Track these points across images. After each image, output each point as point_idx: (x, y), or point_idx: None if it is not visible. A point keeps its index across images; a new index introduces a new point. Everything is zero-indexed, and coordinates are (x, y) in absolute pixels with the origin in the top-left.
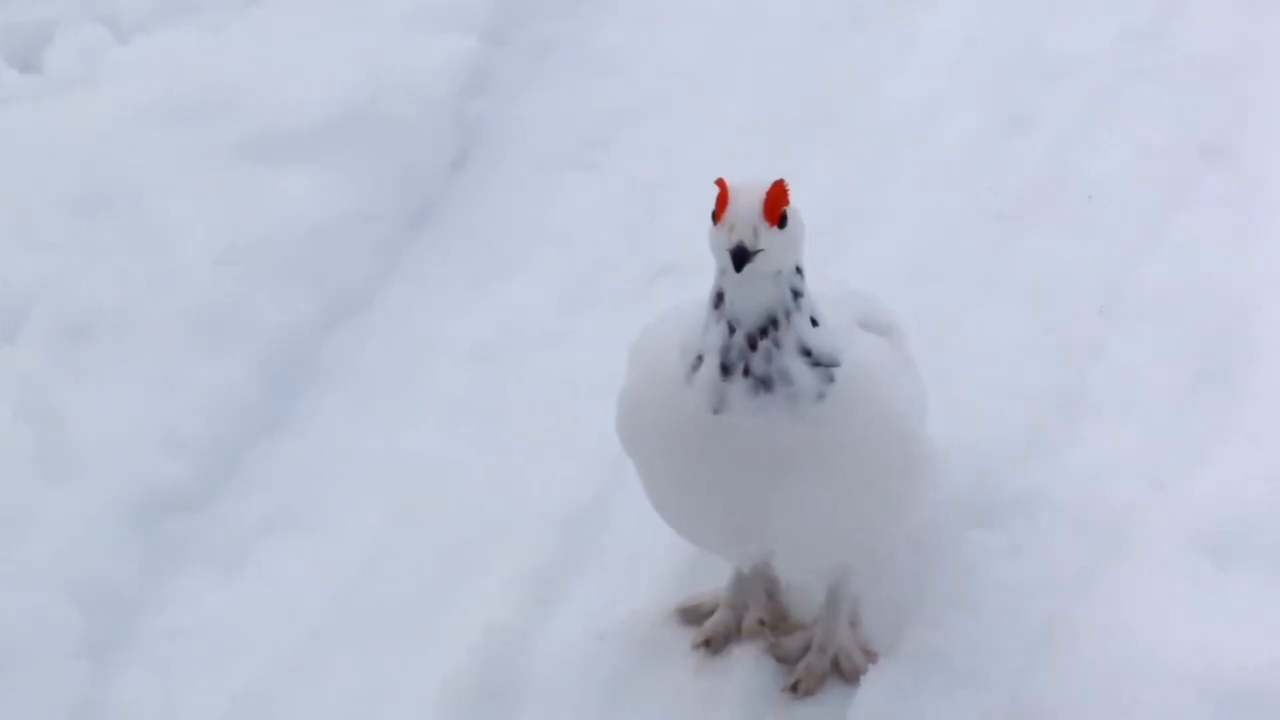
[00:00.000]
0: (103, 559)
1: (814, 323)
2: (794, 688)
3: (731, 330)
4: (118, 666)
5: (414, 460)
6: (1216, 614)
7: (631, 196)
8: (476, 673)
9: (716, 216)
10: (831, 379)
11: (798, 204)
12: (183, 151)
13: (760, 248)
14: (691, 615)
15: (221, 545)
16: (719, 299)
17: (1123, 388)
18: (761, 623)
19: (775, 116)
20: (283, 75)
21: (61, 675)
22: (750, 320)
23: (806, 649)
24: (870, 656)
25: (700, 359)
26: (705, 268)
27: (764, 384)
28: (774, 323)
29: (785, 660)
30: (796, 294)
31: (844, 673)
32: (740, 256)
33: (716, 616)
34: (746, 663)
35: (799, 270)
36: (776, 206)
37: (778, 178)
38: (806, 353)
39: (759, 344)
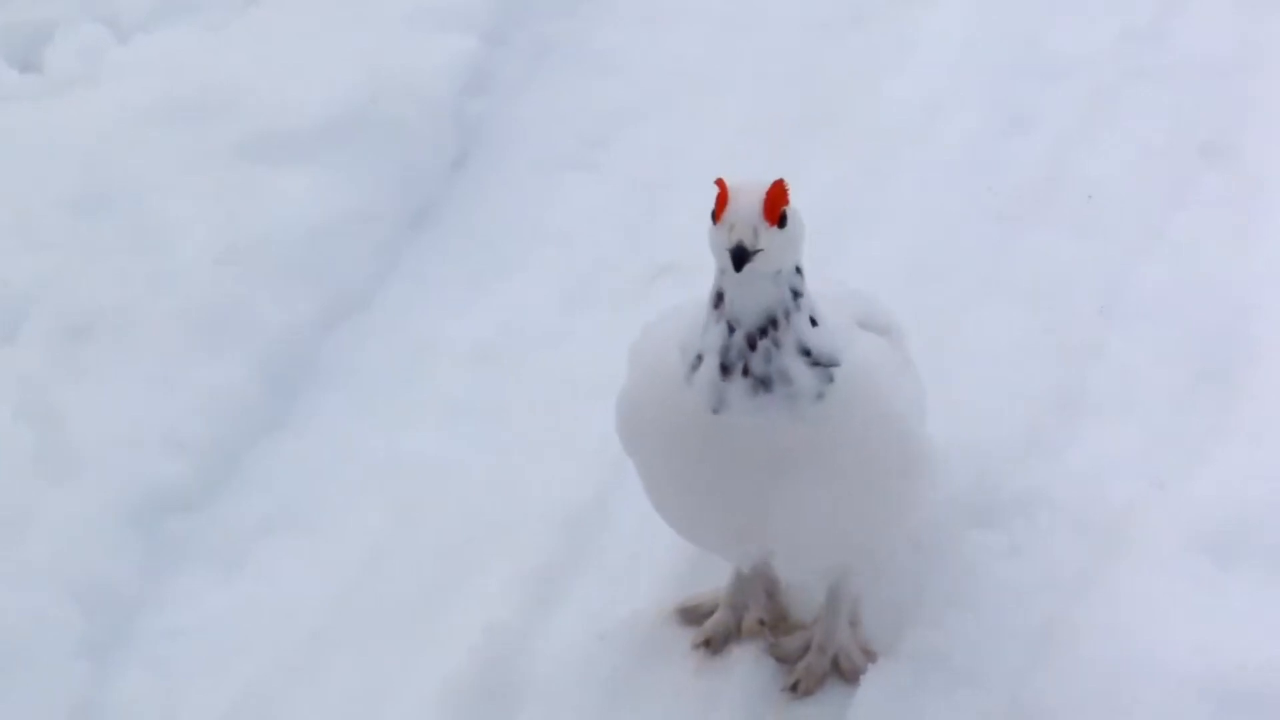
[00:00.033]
0: (103, 559)
1: (813, 322)
2: (794, 687)
3: (731, 330)
4: (118, 666)
5: (414, 460)
6: (1216, 614)
7: (631, 196)
8: (476, 673)
9: (716, 216)
10: (831, 379)
11: (797, 204)
12: (183, 151)
13: (760, 247)
14: (691, 615)
15: (221, 545)
16: (719, 299)
17: (1123, 388)
18: (761, 623)
19: (775, 116)
20: (283, 75)
21: (61, 675)
22: (750, 320)
23: (806, 649)
24: (870, 656)
25: (700, 358)
26: (705, 268)
27: (763, 384)
28: (773, 322)
29: (785, 660)
30: (796, 294)
31: (844, 672)
32: (740, 256)
33: (716, 616)
34: (746, 663)
35: (799, 270)
36: (776, 206)
37: (777, 177)
38: (806, 352)
39: (758, 344)
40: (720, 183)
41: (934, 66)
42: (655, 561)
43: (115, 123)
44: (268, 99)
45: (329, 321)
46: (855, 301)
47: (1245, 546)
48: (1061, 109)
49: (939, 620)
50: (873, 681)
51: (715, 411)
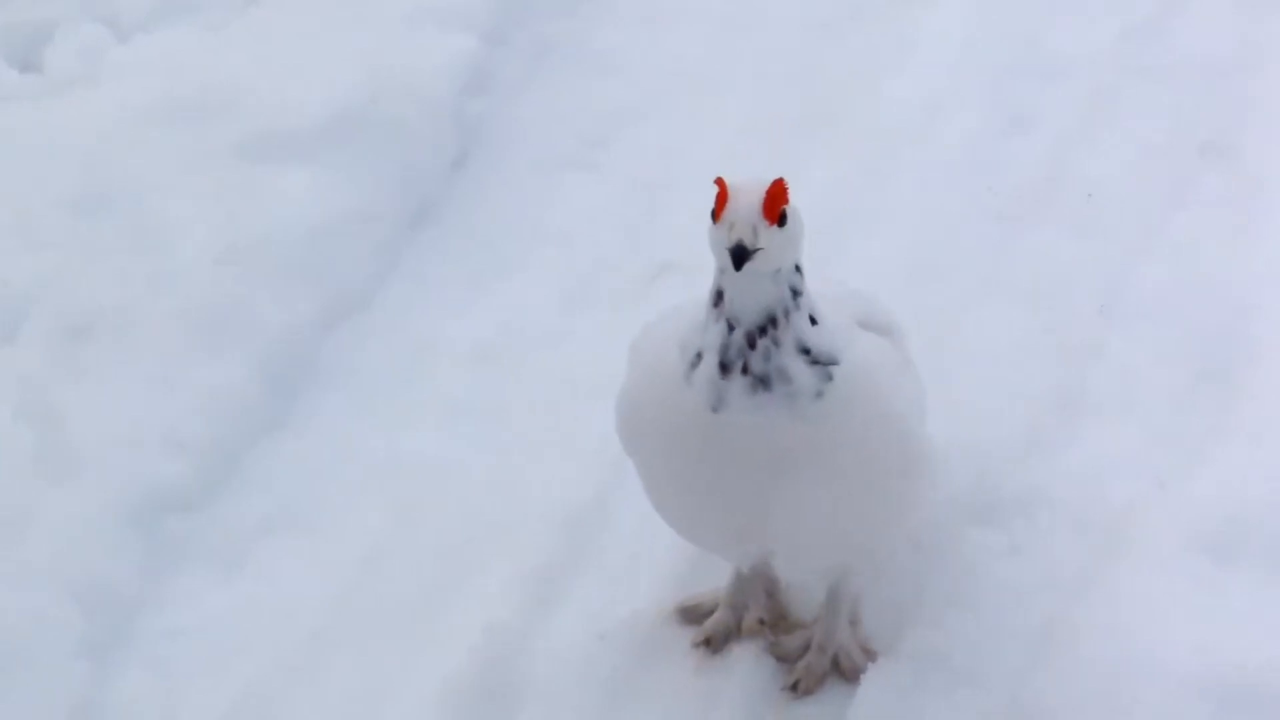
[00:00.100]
0: (103, 559)
1: (813, 321)
2: (794, 687)
3: (731, 328)
4: (118, 666)
5: (414, 460)
6: (1216, 614)
7: (631, 196)
8: (476, 673)
9: (716, 215)
10: (830, 377)
11: (797, 203)
12: (183, 151)
13: (759, 246)
14: (691, 615)
15: (221, 545)
16: (718, 297)
17: (1123, 388)
18: (761, 622)
19: (775, 116)
20: (283, 75)
21: (61, 675)
22: (749, 319)
23: (806, 648)
24: (870, 656)
25: (699, 357)
26: (705, 267)
27: (762, 382)
28: (773, 321)
29: (785, 659)
30: (796, 292)
31: (844, 672)
32: (739, 255)
33: (716, 616)
34: (746, 662)
35: (798, 269)
36: (776, 205)
37: (777, 177)
38: (805, 351)
39: (758, 342)
40: (720, 182)
41: (934, 66)
42: (655, 561)
43: (115, 123)
44: (268, 99)
45: (329, 321)
46: (855, 301)
47: (1245, 546)
48: (1061, 109)
49: (939, 620)
50: (873, 681)
51: (714, 410)
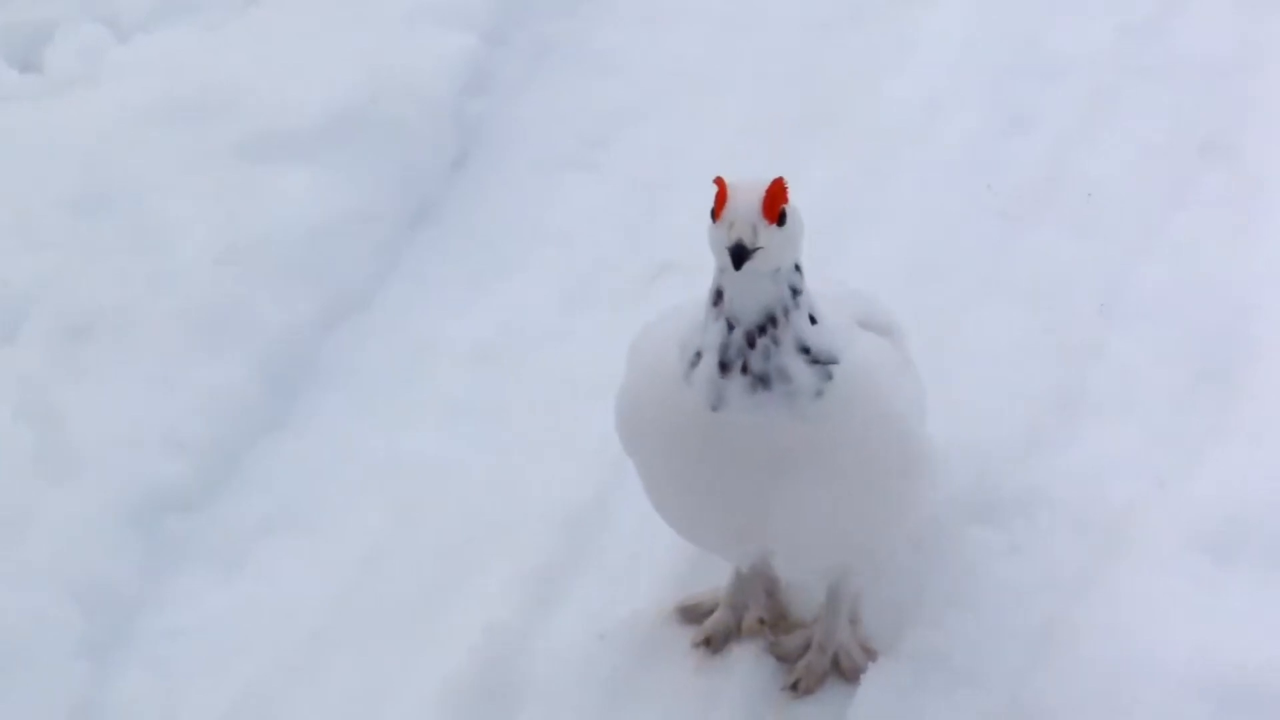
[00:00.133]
0: (103, 559)
1: (813, 320)
2: (794, 686)
3: (730, 328)
4: (118, 666)
5: (414, 460)
6: (1216, 614)
7: (631, 196)
8: (476, 673)
9: (715, 214)
10: (830, 377)
11: (797, 203)
12: (183, 151)
13: (759, 245)
14: (691, 614)
15: (221, 545)
16: (718, 296)
17: (1123, 388)
18: (761, 621)
19: (775, 116)
20: (283, 75)
21: (61, 675)
22: (749, 318)
23: (806, 648)
24: (870, 655)
25: (699, 356)
26: (705, 267)
27: (762, 381)
28: (773, 320)
29: (785, 659)
30: (795, 292)
31: (844, 671)
32: (739, 254)
33: (716, 615)
34: (746, 661)
35: (798, 268)
36: (776, 204)
37: (777, 176)
38: (805, 350)
39: (757, 341)
40: (719, 181)
41: (934, 66)
42: (655, 561)
43: (115, 123)
44: (268, 99)
45: (329, 321)
46: (855, 301)
47: (1245, 546)
48: (1061, 109)
49: (939, 620)
50: (873, 681)
51: (714, 409)
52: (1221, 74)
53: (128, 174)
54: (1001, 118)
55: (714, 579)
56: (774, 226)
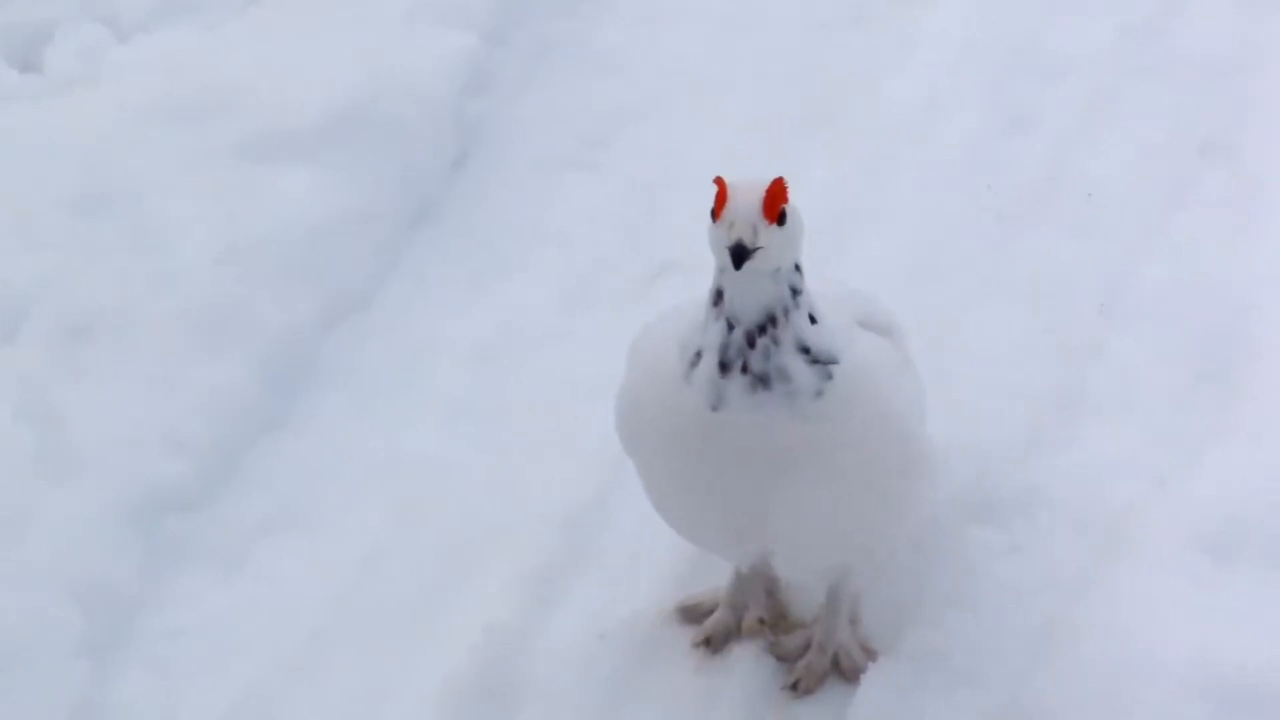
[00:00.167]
0: (103, 559)
1: (812, 320)
2: (794, 686)
3: (730, 327)
4: (118, 666)
5: (414, 460)
6: (1216, 613)
7: (631, 196)
8: (476, 673)
9: (715, 214)
10: (830, 376)
11: (797, 203)
12: (183, 151)
13: (759, 245)
14: (691, 614)
15: (221, 545)
16: (718, 296)
17: (1123, 388)
18: (761, 621)
19: (775, 116)
20: (283, 75)
21: (61, 675)
22: (749, 318)
23: (806, 647)
24: (870, 655)
25: (699, 356)
26: (705, 267)
27: (762, 381)
28: (773, 320)
29: (785, 659)
30: (795, 291)
31: (844, 671)
32: (739, 254)
33: (716, 615)
34: (746, 661)
35: (798, 268)
36: (776, 204)
37: (777, 176)
38: (805, 350)
39: (757, 341)
40: (719, 181)
41: (934, 66)
42: (655, 561)
43: (115, 123)
44: (268, 99)
45: (329, 321)
46: (855, 301)
47: (1245, 546)
48: (1061, 109)
49: (939, 620)
50: (873, 681)
51: (714, 409)
52: (1221, 74)
53: (128, 174)
54: (1001, 118)
55: (714, 579)
56: (774, 226)
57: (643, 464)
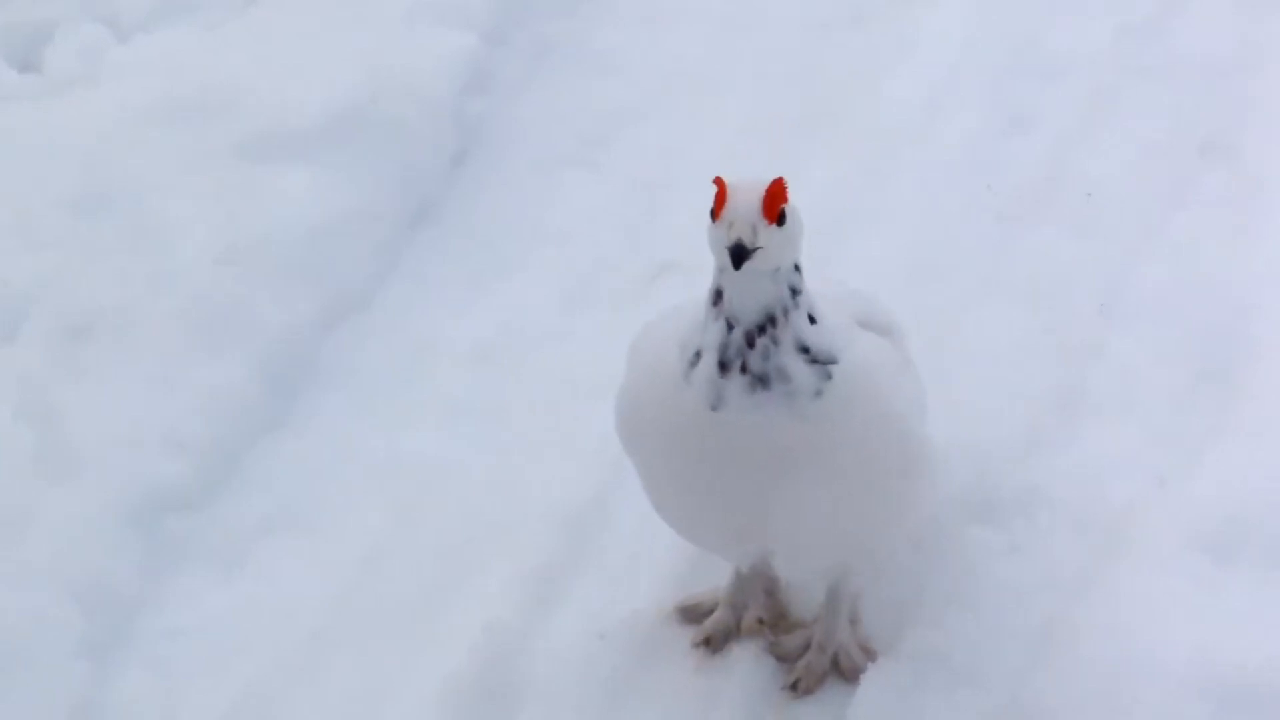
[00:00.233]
0: (103, 559)
1: (812, 320)
2: (794, 686)
3: (730, 327)
4: (118, 666)
5: (414, 460)
6: (1216, 613)
7: (631, 196)
8: (476, 672)
9: (715, 214)
10: (829, 376)
11: (797, 202)
12: (183, 151)
13: (759, 245)
14: (691, 614)
15: (221, 545)
16: (718, 296)
17: (1123, 388)
18: (761, 621)
19: (775, 116)
20: (283, 75)
21: (61, 675)
22: (748, 318)
23: (806, 647)
24: (870, 655)
25: (698, 356)
26: (705, 267)
27: (761, 381)
28: (772, 320)
29: (785, 659)
30: (795, 291)
31: (844, 671)
32: (739, 254)
33: (716, 615)
34: (746, 661)
35: (797, 268)
36: (775, 204)
37: (777, 176)
38: (804, 350)
39: (757, 341)
40: (719, 181)
41: (934, 66)
42: (655, 561)
43: (115, 123)
44: (268, 99)
45: (329, 321)
46: (855, 301)
47: (1245, 546)
48: (1061, 108)
49: (939, 620)
50: (873, 680)
51: (713, 409)
52: (1221, 74)
53: (128, 174)
54: (1001, 118)
55: (714, 579)
56: (774, 226)
57: (642, 464)
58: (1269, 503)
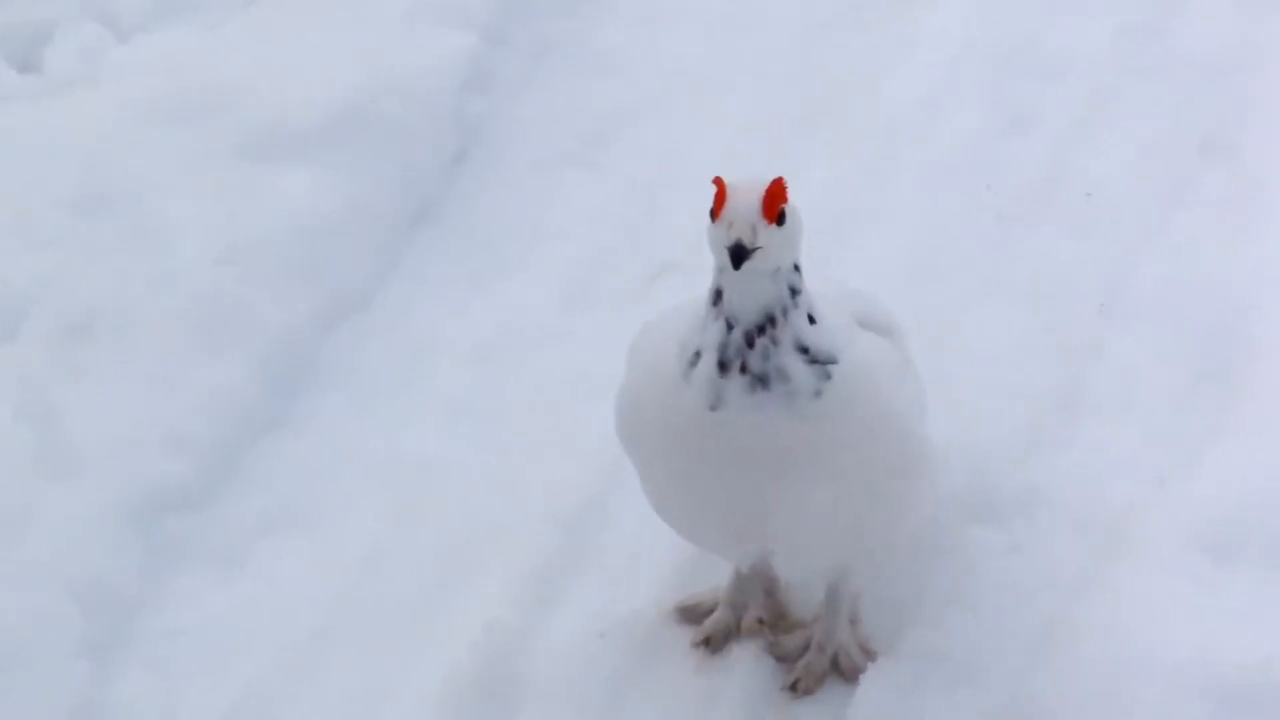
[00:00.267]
0: (103, 559)
1: (811, 320)
2: (793, 686)
3: (730, 327)
4: (118, 666)
5: (414, 460)
6: (1216, 613)
7: (631, 196)
8: (477, 672)
9: (715, 214)
10: (829, 376)
11: (797, 202)
12: (183, 151)
13: (758, 245)
14: (691, 614)
15: (221, 545)
16: (717, 296)
17: (1123, 387)
18: (761, 621)
19: (775, 116)
20: (283, 75)
21: (61, 675)
22: (748, 317)
23: (806, 647)
24: (870, 655)
25: (698, 356)
26: (705, 267)
27: (761, 381)
28: (772, 320)
29: (785, 659)
30: (794, 291)
31: (843, 671)
32: (738, 254)
33: (716, 615)
34: (746, 661)
35: (797, 268)
36: (775, 204)
37: (776, 176)
38: (804, 350)
39: (756, 341)
40: (719, 181)
41: (934, 66)
42: (655, 561)
43: (115, 123)
44: (268, 99)
45: (329, 321)
46: (855, 301)
47: (1245, 545)
48: (1061, 108)
49: (939, 620)
50: (873, 680)
51: (713, 409)
52: (1221, 74)
53: (128, 174)
54: (1001, 117)
55: (714, 579)
56: (773, 226)
57: (642, 464)
58: (1269, 503)
